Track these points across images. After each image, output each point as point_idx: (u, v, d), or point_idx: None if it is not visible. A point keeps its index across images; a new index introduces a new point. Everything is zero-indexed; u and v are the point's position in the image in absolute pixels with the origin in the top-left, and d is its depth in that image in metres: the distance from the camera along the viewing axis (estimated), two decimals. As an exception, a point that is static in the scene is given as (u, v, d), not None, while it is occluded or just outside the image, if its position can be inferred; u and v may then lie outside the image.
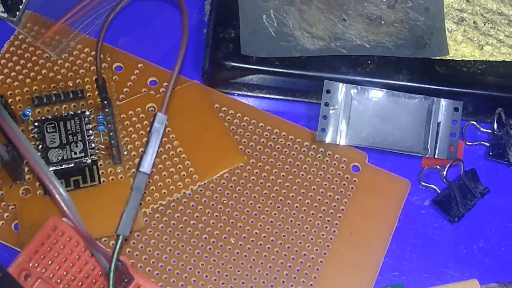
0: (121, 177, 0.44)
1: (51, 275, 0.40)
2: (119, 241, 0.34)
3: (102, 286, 0.40)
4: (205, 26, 0.50)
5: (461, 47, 0.47)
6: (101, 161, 0.45)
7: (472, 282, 0.42)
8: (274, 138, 0.47)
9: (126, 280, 0.39)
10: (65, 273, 0.40)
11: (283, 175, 0.46)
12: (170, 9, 0.51)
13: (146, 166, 0.35)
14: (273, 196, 0.45)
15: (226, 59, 0.46)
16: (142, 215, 0.44)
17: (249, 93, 0.49)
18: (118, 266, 0.36)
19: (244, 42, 0.46)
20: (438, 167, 0.46)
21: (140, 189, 0.35)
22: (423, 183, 0.46)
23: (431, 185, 0.46)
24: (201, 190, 0.45)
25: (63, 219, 0.41)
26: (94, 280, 0.40)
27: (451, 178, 0.46)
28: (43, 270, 0.40)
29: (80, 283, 0.39)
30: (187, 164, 0.45)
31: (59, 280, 0.40)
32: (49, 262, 0.40)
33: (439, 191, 0.46)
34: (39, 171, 0.30)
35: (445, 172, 0.46)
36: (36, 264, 0.40)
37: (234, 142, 0.46)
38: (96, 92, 0.46)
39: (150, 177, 0.44)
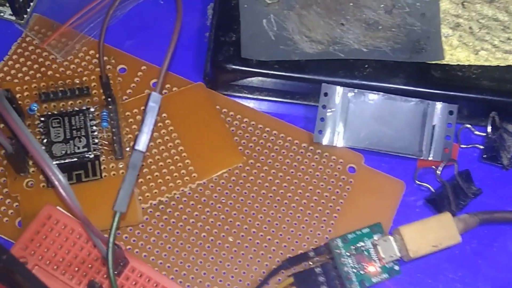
0: (122, 173, 0.44)
1: (47, 262, 0.40)
2: (116, 217, 0.34)
3: (97, 270, 0.40)
4: (207, 30, 0.51)
5: (456, 52, 0.47)
6: (103, 156, 0.45)
7: (445, 215, 0.42)
8: (272, 139, 0.47)
9: (121, 264, 0.40)
10: (61, 259, 0.40)
11: (280, 176, 0.46)
12: (174, 14, 0.51)
13: (141, 144, 0.35)
14: (270, 196, 0.45)
15: (227, 61, 0.47)
16: (141, 212, 0.44)
17: (249, 95, 0.49)
18: (114, 249, 0.36)
19: (245, 46, 0.47)
20: (433, 166, 0.46)
21: (135, 167, 0.35)
22: (417, 182, 0.46)
23: (425, 184, 0.46)
24: (200, 189, 0.45)
25: (57, 207, 0.41)
26: (90, 265, 0.40)
27: (445, 179, 0.46)
28: (40, 257, 0.40)
29: (76, 268, 0.40)
30: (187, 162, 0.46)
31: (55, 267, 0.40)
32: (45, 250, 0.40)
33: (433, 190, 0.46)
34: (39, 158, 0.31)
35: (439, 172, 0.46)
36: (32, 252, 0.40)
37: (234, 142, 0.47)
38: (101, 90, 0.46)
39: (150, 174, 0.45)
